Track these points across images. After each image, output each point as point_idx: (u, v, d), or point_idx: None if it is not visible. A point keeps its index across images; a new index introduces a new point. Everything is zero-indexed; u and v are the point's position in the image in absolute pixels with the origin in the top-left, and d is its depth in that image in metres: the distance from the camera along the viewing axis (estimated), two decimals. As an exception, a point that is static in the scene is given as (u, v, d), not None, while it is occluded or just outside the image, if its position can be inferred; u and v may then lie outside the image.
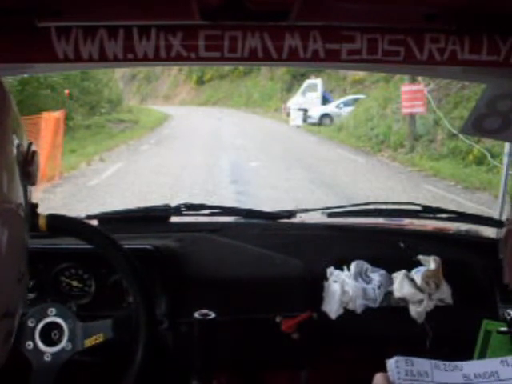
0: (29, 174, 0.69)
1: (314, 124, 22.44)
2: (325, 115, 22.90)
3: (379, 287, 1.51)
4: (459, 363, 0.76)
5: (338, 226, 1.77)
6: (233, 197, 8.33)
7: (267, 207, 1.92)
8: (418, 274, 1.49)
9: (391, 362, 0.74)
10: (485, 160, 10.45)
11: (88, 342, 1.22)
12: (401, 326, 1.52)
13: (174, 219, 1.78)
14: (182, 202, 1.79)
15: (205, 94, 44.39)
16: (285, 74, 33.39)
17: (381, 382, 0.72)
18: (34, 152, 0.70)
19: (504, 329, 1.35)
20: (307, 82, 26.38)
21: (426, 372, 0.74)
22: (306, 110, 23.36)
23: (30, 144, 0.70)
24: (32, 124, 10.19)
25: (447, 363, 0.75)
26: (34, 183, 0.70)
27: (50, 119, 10.85)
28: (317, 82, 25.73)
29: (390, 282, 1.52)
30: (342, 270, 1.55)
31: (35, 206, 0.74)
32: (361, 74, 23.07)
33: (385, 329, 1.54)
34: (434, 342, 1.48)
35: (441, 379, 0.73)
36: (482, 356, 1.36)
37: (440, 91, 14.00)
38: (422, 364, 0.74)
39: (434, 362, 0.75)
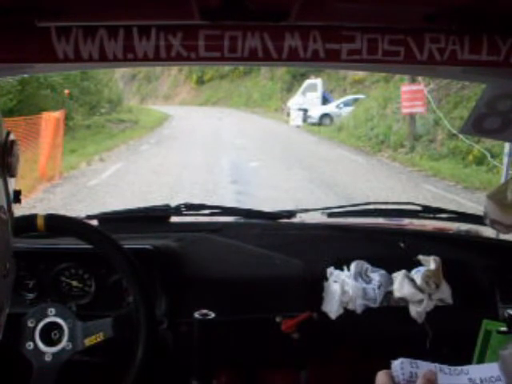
0: (8, 165, 0.65)
1: (313, 124, 22.43)
2: (325, 115, 22.88)
3: (379, 287, 1.51)
4: (465, 367, 0.75)
5: (338, 226, 1.77)
6: (233, 197, 8.32)
7: (267, 207, 1.92)
8: (418, 274, 1.49)
9: (396, 363, 0.73)
10: (485, 160, 10.45)
11: (88, 342, 1.22)
12: (401, 326, 1.52)
13: (174, 219, 1.78)
14: (182, 201, 1.79)
15: (205, 94, 44.36)
16: (285, 74, 33.37)
17: (384, 379, 0.71)
18: (13, 142, 0.66)
19: (504, 329, 1.35)
20: (307, 82, 26.35)
21: None
22: (306, 110, 23.36)
23: (8, 133, 0.66)
24: (32, 124, 10.20)
25: (452, 367, 0.75)
26: (13, 175, 0.67)
27: (50, 119, 10.85)
28: (317, 81, 25.71)
29: (390, 281, 1.52)
30: (342, 269, 1.55)
31: (19, 192, 0.71)
32: (361, 73, 23.05)
33: (385, 329, 1.54)
34: (433, 341, 1.48)
35: (446, 383, 0.73)
36: (482, 356, 1.35)
37: (440, 91, 14.00)
38: (427, 367, 0.74)
39: (439, 365, 0.74)
